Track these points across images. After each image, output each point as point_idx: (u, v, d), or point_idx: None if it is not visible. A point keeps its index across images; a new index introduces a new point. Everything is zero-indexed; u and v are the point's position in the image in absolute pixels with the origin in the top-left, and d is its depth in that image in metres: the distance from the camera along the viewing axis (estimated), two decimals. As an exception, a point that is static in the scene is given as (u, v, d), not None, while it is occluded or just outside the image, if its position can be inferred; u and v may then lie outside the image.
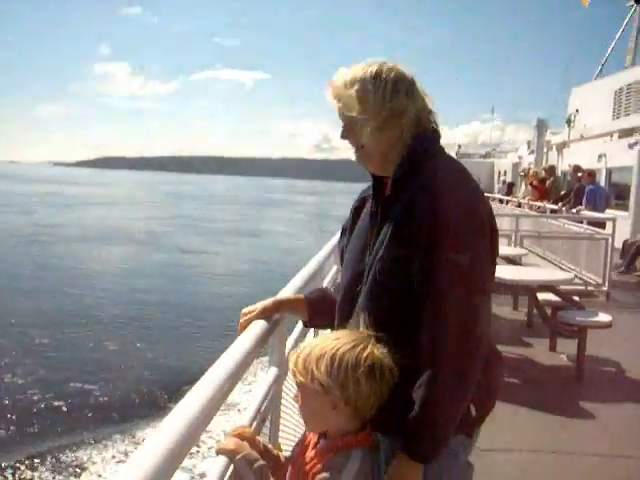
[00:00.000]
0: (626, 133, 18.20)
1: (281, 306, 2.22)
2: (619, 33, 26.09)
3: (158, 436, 1.20)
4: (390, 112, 1.85)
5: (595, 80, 25.05)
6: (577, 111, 23.79)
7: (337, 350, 1.67)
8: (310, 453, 1.74)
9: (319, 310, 2.21)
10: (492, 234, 1.85)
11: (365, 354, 1.67)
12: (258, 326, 2.07)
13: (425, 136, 1.89)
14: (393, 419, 1.74)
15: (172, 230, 39.19)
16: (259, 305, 2.18)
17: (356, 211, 2.11)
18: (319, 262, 3.83)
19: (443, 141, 1.95)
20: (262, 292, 2.68)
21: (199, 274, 23.56)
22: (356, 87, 1.86)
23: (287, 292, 2.49)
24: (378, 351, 1.69)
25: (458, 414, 1.73)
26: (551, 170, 16.76)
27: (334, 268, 4.50)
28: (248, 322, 2.11)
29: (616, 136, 19.19)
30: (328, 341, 1.71)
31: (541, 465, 4.28)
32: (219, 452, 1.68)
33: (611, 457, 4.45)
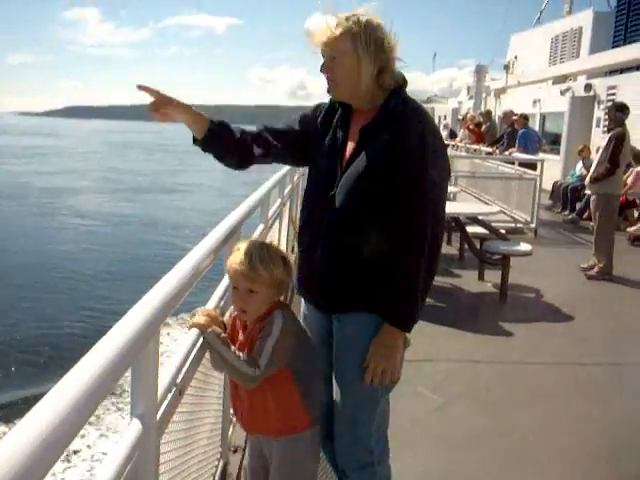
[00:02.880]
0: (560, 80, 18.85)
1: (186, 110, 2.25)
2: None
3: (116, 329, 1.35)
4: (374, 52, 2.20)
5: (533, 27, 25.60)
6: (515, 57, 24.34)
7: (276, 250, 2.20)
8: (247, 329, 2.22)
9: (215, 133, 2.29)
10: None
11: (281, 249, 2.27)
12: (218, 230, 2.49)
13: (402, 79, 2.30)
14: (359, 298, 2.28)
15: (77, 187, 34.59)
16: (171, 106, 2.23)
17: (321, 127, 2.42)
18: (274, 182, 4.26)
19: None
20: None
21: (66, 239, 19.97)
22: (342, 30, 2.19)
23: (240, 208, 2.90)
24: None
25: (429, 289, 2.29)
26: (487, 115, 17.29)
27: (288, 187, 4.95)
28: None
29: (550, 82, 19.84)
30: (264, 246, 2.20)
31: (464, 371, 4.85)
32: (192, 326, 2.11)
33: (526, 364, 5.09)
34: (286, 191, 6.51)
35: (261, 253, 2.12)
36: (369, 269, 2.23)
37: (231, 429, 3.25)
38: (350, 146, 2.31)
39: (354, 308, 2.29)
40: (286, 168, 6.66)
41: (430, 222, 2.19)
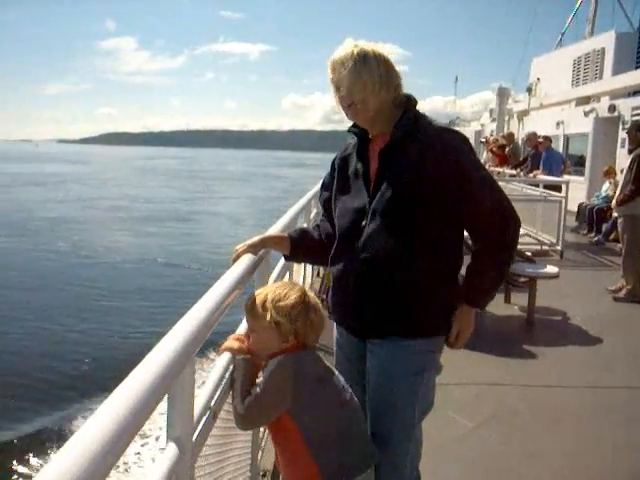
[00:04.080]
0: (583, 101, 18.80)
1: (266, 241, 2.62)
2: (578, 3, 26.60)
3: (151, 357, 1.37)
4: (385, 84, 2.30)
5: (555, 50, 25.62)
6: (538, 79, 24.33)
7: (286, 294, 2.10)
8: None
9: (300, 247, 2.62)
10: None
11: (304, 294, 2.14)
12: (246, 259, 2.46)
13: (411, 99, 2.38)
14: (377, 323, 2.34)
15: (83, 215, 32.91)
16: (248, 241, 2.58)
17: (340, 168, 2.53)
18: (298, 210, 4.30)
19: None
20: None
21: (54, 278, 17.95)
22: (353, 68, 2.27)
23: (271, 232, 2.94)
24: (310, 293, 2.18)
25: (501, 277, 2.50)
26: (510, 137, 17.25)
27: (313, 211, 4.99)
28: (238, 256, 2.50)
29: (574, 104, 19.79)
30: (278, 289, 2.13)
31: (492, 395, 4.82)
32: (223, 350, 2.14)
33: (556, 387, 5.05)
34: (312, 216, 6.55)
35: (269, 293, 2.10)
36: (406, 291, 2.28)
37: (260, 453, 3.26)
38: (373, 173, 2.36)
39: (389, 333, 2.31)
40: (311, 192, 6.71)
41: (504, 214, 2.39)
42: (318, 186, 6.32)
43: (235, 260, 2.47)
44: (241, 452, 2.78)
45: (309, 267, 7.02)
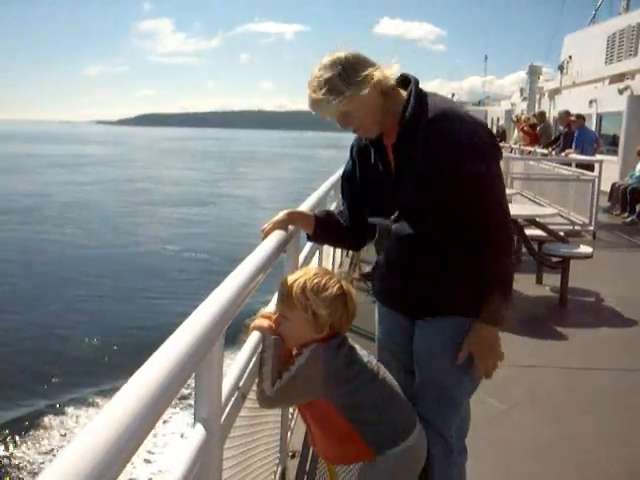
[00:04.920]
0: (617, 79, 18.39)
1: (293, 217, 2.56)
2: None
3: (178, 334, 1.33)
4: (358, 90, 2.15)
5: (588, 26, 25.07)
6: (570, 57, 23.89)
7: (325, 285, 2.03)
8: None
9: (324, 228, 2.56)
10: (494, 142, 2.27)
11: (343, 285, 2.08)
12: (275, 235, 2.41)
13: (410, 81, 2.24)
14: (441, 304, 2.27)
15: (101, 198, 32.66)
16: (274, 218, 2.51)
17: (360, 159, 2.46)
18: (327, 188, 4.22)
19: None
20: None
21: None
22: (323, 90, 2.15)
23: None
24: (346, 281, 2.12)
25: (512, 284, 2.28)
26: (541, 116, 16.98)
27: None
28: (267, 235, 2.43)
29: (607, 82, 19.38)
30: (316, 277, 2.06)
31: (525, 377, 4.73)
32: (253, 329, 2.08)
33: (590, 370, 4.94)
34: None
35: (307, 282, 2.03)
36: (447, 276, 2.23)
37: (289, 434, 3.22)
38: (392, 167, 2.30)
39: (438, 313, 2.28)
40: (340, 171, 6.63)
41: (494, 214, 2.18)
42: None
43: (264, 239, 2.42)
44: (270, 433, 2.75)
45: (338, 247, 6.97)
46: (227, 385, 1.68)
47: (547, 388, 4.59)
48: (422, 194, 2.19)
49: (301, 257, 3.06)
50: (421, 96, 2.20)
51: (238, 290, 1.65)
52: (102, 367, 9.93)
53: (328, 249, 6.15)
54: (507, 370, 4.79)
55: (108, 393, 8.33)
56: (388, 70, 2.22)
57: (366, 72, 2.15)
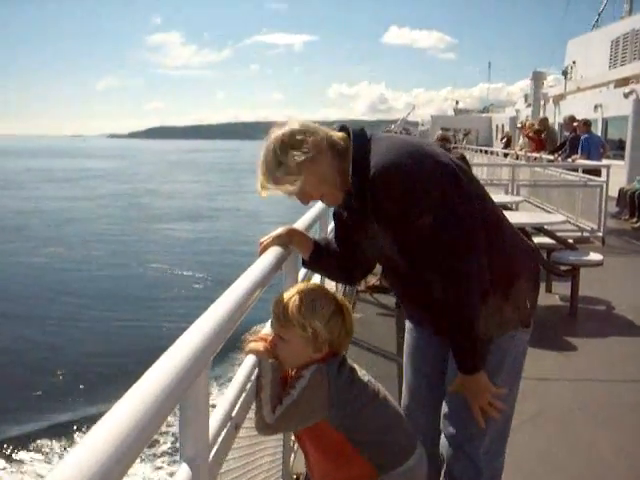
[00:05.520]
0: (622, 83, 18.26)
1: (293, 235, 2.43)
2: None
3: (159, 365, 1.23)
4: (308, 162, 2.02)
5: (592, 31, 24.98)
6: (574, 62, 23.80)
7: (321, 302, 1.94)
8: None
9: (322, 256, 2.43)
10: (448, 173, 2.07)
11: (340, 301, 2.00)
12: (273, 251, 2.28)
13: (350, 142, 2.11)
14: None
15: (95, 214, 32.09)
16: (273, 233, 2.40)
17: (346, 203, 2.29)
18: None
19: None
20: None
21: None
22: (276, 175, 2.04)
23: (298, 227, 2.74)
24: (341, 296, 2.05)
25: (478, 327, 2.04)
26: (543, 123, 16.83)
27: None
28: (265, 248, 2.32)
29: (612, 86, 19.25)
30: (310, 294, 1.96)
31: (536, 390, 4.57)
32: (248, 352, 1.97)
33: (605, 382, 4.79)
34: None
35: (303, 300, 1.92)
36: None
37: (292, 456, 3.09)
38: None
39: None
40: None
41: (458, 254, 2.00)
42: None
43: (261, 254, 2.31)
44: (272, 458, 2.62)
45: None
46: (218, 416, 1.56)
47: (559, 402, 4.45)
48: (391, 244, 2.12)
49: (301, 274, 2.93)
50: (361, 154, 2.07)
51: (228, 314, 1.53)
52: (80, 394, 9.56)
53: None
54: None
55: (86, 423, 8.03)
56: (332, 133, 2.12)
57: (306, 149, 2.03)
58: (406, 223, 2.01)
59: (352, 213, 2.24)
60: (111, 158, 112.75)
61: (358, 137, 2.11)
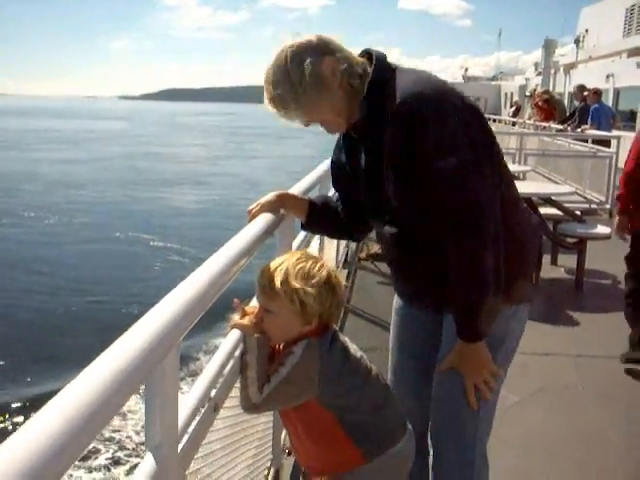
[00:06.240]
0: (636, 52, 17.93)
1: (284, 199, 2.28)
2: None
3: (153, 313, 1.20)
4: (313, 87, 1.87)
5: (606, -1, 24.47)
6: (586, 31, 23.36)
7: (311, 270, 1.77)
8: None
9: (320, 216, 2.28)
10: (475, 118, 1.92)
11: (330, 271, 1.82)
12: (264, 217, 2.13)
13: (371, 65, 1.93)
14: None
15: (89, 177, 31.40)
16: (262, 199, 2.23)
17: (347, 146, 2.15)
18: (323, 171, 3.92)
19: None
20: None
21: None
22: (279, 90, 1.87)
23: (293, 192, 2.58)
24: (332, 266, 1.86)
25: (489, 293, 1.83)
26: (546, 93, 16.51)
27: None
28: (254, 217, 2.16)
29: (625, 55, 18.90)
30: (299, 263, 1.79)
31: (539, 366, 4.47)
32: (232, 327, 1.83)
33: (607, 358, 4.67)
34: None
35: (289, 268, 1.77)
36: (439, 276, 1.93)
37: (284, 431, 2.98)
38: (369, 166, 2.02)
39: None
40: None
41: (462, 222, 1.81)
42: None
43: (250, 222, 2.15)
44: (263, 434, 2.52)
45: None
46: (194, 396, 1.43)
47: (562, 378, 4.34)
48: (396, 193, 1.92)
49: (296, 241, 2.78)
50: (383, 81, 1.89)
51: (205, 287, 1.39)
52: (42, 370, 9.11)
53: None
54: (519, 358, 4.53)
55: (38, 404, 7.78)
56: (352, 57, 1.93)
57: (317, 65, 1.86)
58: (425, 163, 1.80)
59: (353, 154, 2.08)
60: (116, 120, 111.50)
61: (382, 64, 1.94)
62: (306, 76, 1.85)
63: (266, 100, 1.92)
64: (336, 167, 2.24)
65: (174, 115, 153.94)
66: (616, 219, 4.91)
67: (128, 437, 7.04)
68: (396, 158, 1.85)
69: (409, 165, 1.82)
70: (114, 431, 7.07)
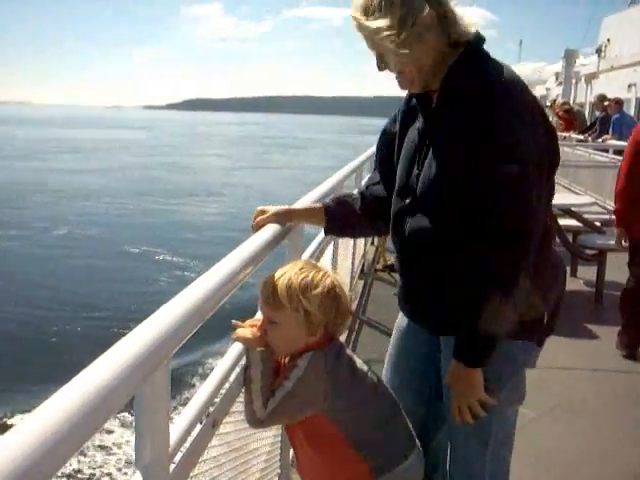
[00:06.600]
0: (658, 62, 17.76)
1: (292, 215, 2.20)
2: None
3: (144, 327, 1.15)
4: (410, 31, 1.73)
5: (628, 8, 24.25)
6: (608, 41, 23.18)
7: (314, 280, 1.73)
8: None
9: (337, 218, 2.19)
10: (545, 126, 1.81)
11: (334, 280, 1.76)
12: (271, 228, 2.07)
13: (467, 43, 1.79)
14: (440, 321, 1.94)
15: (102, 187, 31.07)
16: (272, 208, 2.16)
17: (404, 118, 2.03)
18: (339, 179, 3.88)
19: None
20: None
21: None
22: (372, 16, 1.74)
23: (303, 203, 2.52)
24: (337, 276, 1.81)
25: (504, 321, 1.75)
26: (566, 104, 16.40)
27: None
28: (261, 224, 2.11)
29: (647, 65, 18.73)
30: (302, 272, 1.75)
31: (557, 380, 4.38)
32: (235, 340, 1.78)
33: (628, 373, 4.57)
34: (363, 182, 6.10)
35: (293, 278, 1.72)
36: (450, 292, 1.85)
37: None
38: (423, 141, 1.90)
39: (453, 331, 1.89)
40: (366, 154, 6.30)
41: (506, 237, 1.70)
42: (368, 152, 5.88)
43: (258, 228, 2.09)
44: (270, 448, 2.46)
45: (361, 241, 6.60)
46: (191, 412, 1.38)
47: (581, 393, 4.25)
48: (436, 173, 1.80)
49: (307, 252, 2.71)
50: (475, 61, 1.78)
51: (202, 299, 1.34)
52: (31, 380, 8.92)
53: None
54: (537, 372, 4.45)
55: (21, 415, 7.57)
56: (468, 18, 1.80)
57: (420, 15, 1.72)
58: (486, 161, 1.69)
59: (406, 127, 1.98)
60: (138, 130, 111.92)
61: (479, 42, 1.80)
62: (405, 17, 1.72)
63: (361, 13, 1.77)
64: (385, 137, 2.14)
65: (196, 125, 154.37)
66: (616, 231, 5.14)
67: (119, 455, 6.96)
68: (458, 137, 1.74)
69: (467, 149, 1.72)
70: (101, 447, 7.01)
